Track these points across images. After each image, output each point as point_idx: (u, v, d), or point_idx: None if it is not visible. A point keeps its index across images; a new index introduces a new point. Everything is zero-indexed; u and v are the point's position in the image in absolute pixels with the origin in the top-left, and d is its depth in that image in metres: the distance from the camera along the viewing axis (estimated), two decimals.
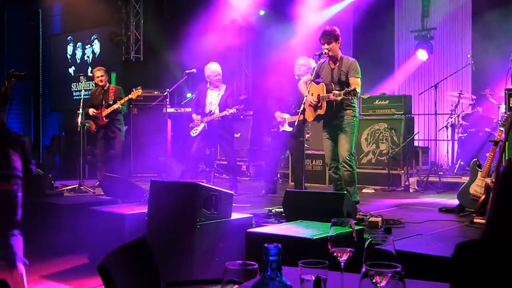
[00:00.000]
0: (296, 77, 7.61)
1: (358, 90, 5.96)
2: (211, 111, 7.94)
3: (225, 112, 7.74)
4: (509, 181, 1.56)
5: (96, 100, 8.96)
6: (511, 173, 1.58)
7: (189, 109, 8.89)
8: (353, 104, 6.22)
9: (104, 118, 8.76)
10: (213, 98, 8.03)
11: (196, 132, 7.99)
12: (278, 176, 9.93)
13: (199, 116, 7.98)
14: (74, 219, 6.26)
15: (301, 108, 6.18)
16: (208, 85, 8.08)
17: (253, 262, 1.48)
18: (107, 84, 9.00)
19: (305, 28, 13.19)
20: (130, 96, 8.68)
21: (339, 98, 5.94)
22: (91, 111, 8.84)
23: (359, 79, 6.11)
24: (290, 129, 7.60)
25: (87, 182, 8.99)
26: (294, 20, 13.38)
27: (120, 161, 8.91)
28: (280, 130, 7.73)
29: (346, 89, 5.86)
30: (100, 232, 5.67)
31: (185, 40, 11.65)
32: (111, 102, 8.77)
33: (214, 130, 7.94)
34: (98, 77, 8.99)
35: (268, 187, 7.92)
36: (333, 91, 6.05)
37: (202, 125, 7.94)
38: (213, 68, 8.02)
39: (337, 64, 6.20)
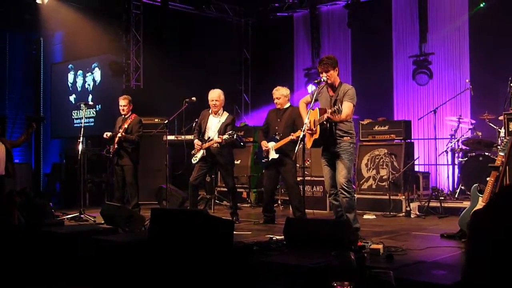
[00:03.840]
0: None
1: (346, 111, 5.98)
2: (209, 137, 7.94)
3: (218, 139, 7.72)
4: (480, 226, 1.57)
5: (116, 126, 9.05)
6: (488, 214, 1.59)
7: (190, 137, 8.91)
8: (350, 131, 6.23)
9: (115, 145, 8.82)
10: (213, 124, 8.02)
11: (196, 159, 7.98)
12: (280, 202, 9.92)
13: (200, 142, 7.97)
14: (75, 248, 6.23)
15: (301, 135, 6.22)
16: (210, 111, 8.11)
17: None
18: (129, 113, 9.06)
19: (304, 56, 13.35)
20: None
21: (325, 117, 5.95)
22: (105, 135, 8.94)
23: (351, 104, 6.11)
24: (276, 156, 7.65)
25: (88, 211, 8.98)
26: (293, 48, 13.54)
27: (131, 190, 8.92)
28: (269, 159, 7.76)
29: (332, 108, 5.91)
30: (101, 261, 5.66)
31: (185, 67, 11.74)
32: (121, 131, 8.84)
33: (213, 157, 7.94)
34: (120, 105, 9.09)
35: (266, 217, 7.91)
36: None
37: (202, 151, 7.92)
38: (211, 94, 8.03)
39: (336, 92, 6.24)
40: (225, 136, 7.62)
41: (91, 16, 12.38)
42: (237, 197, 8.42)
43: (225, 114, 8.09)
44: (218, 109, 8.03)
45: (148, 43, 12.62)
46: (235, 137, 7.77)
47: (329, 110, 5.91)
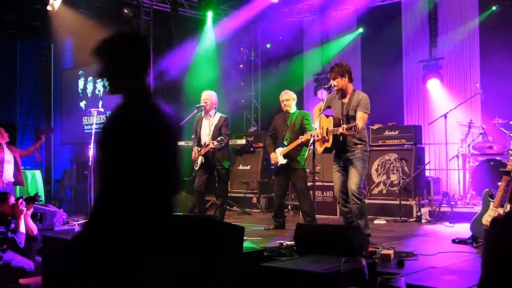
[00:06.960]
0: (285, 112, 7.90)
1: (360, 125, 5.95)
2: (205, 143, 7.91)
3: (211, 145, 7.68)
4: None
5: None
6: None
7: None
8: (364, 139, 6.21)
9: None
10: (206, 127, 7.97)
11: (197, 166, 7.98)
12: (290, 208, 9.90)
13: (198, 149, 7.96)
14: (84, 254, 6.23)
15: (311, 140, 6.23)
16: (202, 114, 8.07)
17: None
18: None
19: (313, 62, 13.33)
20: None
21: (339, 131, 5.94)
22: None
23: (366, 115, 6.11)
24: (285, 161, 7.65)
25: None
26: (302, 53, 13.52)
27: None
28: (278, 165, 7.75)
29: (349, 124, 5.89)
30: None
31: (195, 70, 11.76)
32: None
33: (210, 161, 7.90)
34: None
35: (276, 222, 7.90)
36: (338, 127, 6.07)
37: (200, 158, 7.90)
38: (203, 94, 8.00)
39: (348, 99, 6.22)
40: (215, 143, 7.60)
41: (101, 22, 12.43)
42: (226, 202, 8.42)
43: (218, 116, 8.00)
44: (209, 110, 7.95)
45: (158, 47, 12.65)
46: (223, 143, 7.65)
47: (344, 126, 5.88)
